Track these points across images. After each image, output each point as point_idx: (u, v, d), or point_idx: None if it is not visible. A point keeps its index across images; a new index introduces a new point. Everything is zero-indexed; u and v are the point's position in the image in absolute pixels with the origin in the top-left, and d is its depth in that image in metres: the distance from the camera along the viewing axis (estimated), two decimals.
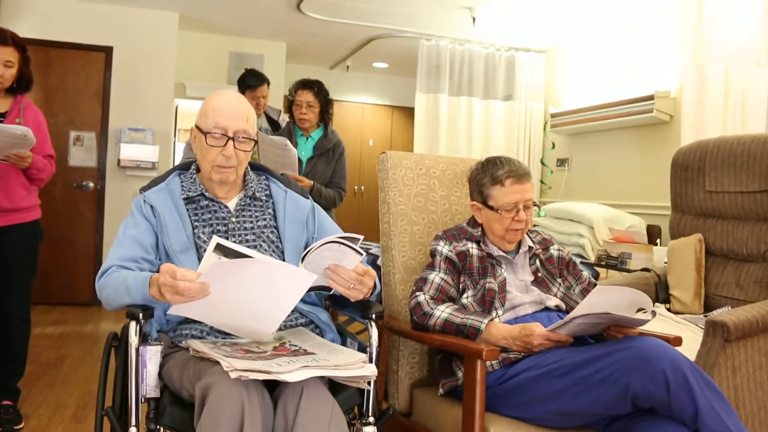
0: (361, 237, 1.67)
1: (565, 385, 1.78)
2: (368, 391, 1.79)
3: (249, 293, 1.57)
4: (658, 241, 4.62)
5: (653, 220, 4.87)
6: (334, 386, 1.67)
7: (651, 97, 4.81)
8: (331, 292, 1.86)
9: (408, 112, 8.23)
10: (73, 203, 6.09)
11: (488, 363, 1.90)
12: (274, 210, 2.02)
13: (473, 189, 2.22)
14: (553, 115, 6.01)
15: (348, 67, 8.11)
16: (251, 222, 1.96)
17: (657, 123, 4.95)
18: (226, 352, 1.61)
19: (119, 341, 1.84)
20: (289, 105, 3.93)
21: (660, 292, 3.08)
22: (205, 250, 1.56)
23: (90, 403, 3.31)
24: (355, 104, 8.91)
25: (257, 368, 1.47)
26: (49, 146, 3.01)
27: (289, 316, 1.86)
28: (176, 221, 1.89)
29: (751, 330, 2.29)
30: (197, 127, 1.91)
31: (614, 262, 4.12)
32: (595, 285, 2.20)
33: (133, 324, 1.66)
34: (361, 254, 1.68)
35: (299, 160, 3.71)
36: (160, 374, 1.70)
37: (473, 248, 2.15)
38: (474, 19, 5.87)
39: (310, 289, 1.77)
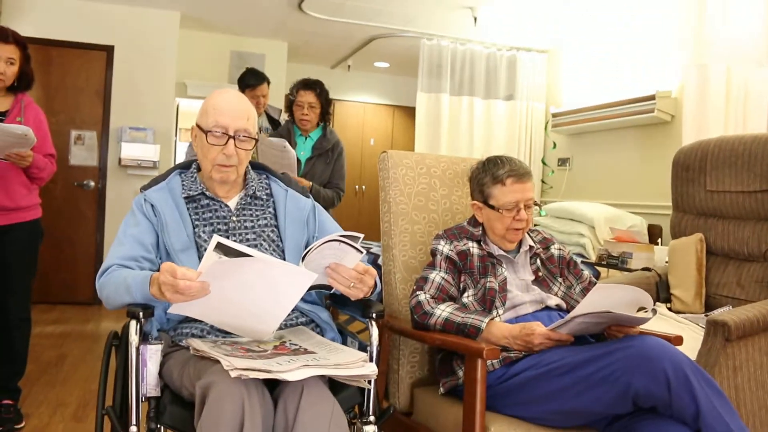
0: (362, 235, 1.67)
1: (565, 384, 1.77)
2: (369, 390, 1.79)
3: (249, 292, 1.57)
4: (659, 240, 4.62)
5: (654, 219, 4.87)
6: (335, 385, 1.67)
7: (652, 97, 4.80)
8: (331, 291, 1.86)
9: (409, 112, 8.23)
10: (74, 202, 6.09)
11: (489, 362, 1.90)
12: (274, 209, 2.01)
13: (474, 188, 2.22)
14: (554, 115, 6.01)
15: (349, 66, 8.11)
16: (252, 221, 1.96)
17: (658, 123, 4.95)
18: (227, 351, 1.61)
19: (120, 340, 1.84)
20: (290, 105, 3.92)
21: (661, 291, 3.08)
22: (205, 249, 1.56)
23: (90, 402, 3.31)
24: (357, 104, 8.91)
25: (257, 367, 1.47)
26: (49, 145, 3.01)
27: (289, 315, 1.86)
28: (177, 220, 1.89)
29: (752, 329, 2.29)
30: (198, 125, 1.91)
31: (615, 262, 4.12)
32: (595, 284, 2.20)
33: (133, 323, 1.66)
34: (362, 252, 1.68)
35: (298, 160, 3.71)
36: (160, 373, 1.70)
37: (474, 247, 2.15)
38: (475, 18, 5.87)
39: (311, 288, 1.77)
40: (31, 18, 5.87)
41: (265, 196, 2.02)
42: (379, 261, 2.45)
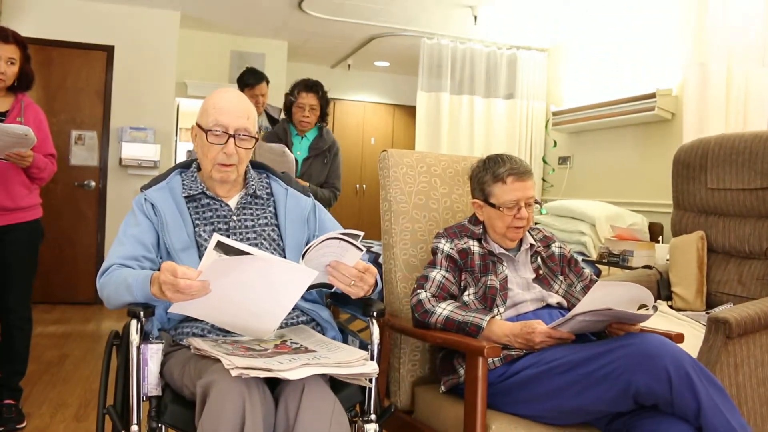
0: (362, 233, 1.67)
1: (567, 382, 1.77)
2: (370, 389, 1.79)
3: (250, 291, 1.57)
4: (660, 238, 4.62)
5: (655, 217, 4.87)
6: (336, 384, 1.67)
7: (653, 95, 4.81)
8: (332, 290, 1.86)
9: (409, 111, 8.23)
10: (75, 202, 6.10)
11: (490, 360, 1.90)
12: (275, 208, 2.01)
13: (475, 187, 2.22)
14: (554, 113, 6.01)
15: (349, 65, 8.12)
16: (252, 220, 1.96)
17: (659, 121, 4.95)
18: (227, 350, 1.61)
19: (120, 340, 1.84)
20: (289, 105, 3.91)
21: (662, 289, 3.08)
22: (206, 249, 1.56)
23: (92, 402, 3.31)
24: (357, 103, 8.91)
25: (258, 366, 1.47)
26: (50, 145, 3.01)
27: (290, 313, 1.86)
28: (177, 219, 1.89)
29: (753, 327, 2.29)
30: (198, 125, 1.91)
31: (616, 260, 4.12)
32: (596, 282, 2.19)
33: (134, 322, 1.66)
34: (362, 250, 1.68)
35: (295, 160, 3.71)
36: (161, 372, 1.70)
37: (474, 246, 2.15)
38: (475, 17, 5.86)
39: (312, 287, 1.77)
40: (32, 18, 5.87)
41: (265, 195, 2.02)
42: (380, 260, 2.45)
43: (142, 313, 1.66)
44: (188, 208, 1.93)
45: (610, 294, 1.80)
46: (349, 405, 1.75)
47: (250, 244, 1.86)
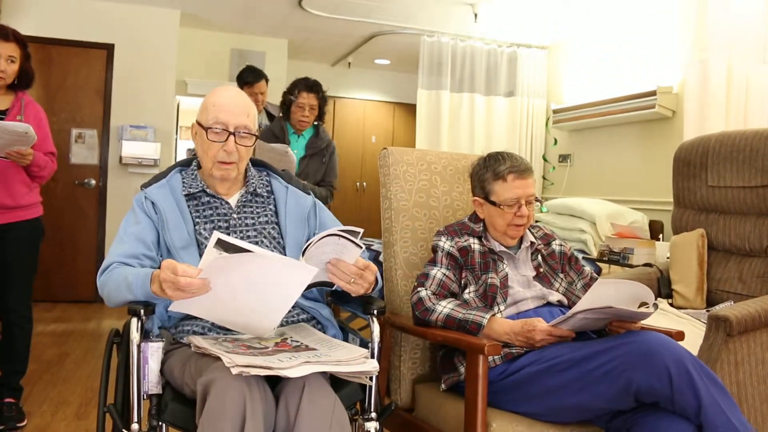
0: (361, 230, 1.67)
1: (567, 380, 1.77)
2: (370, 387, 1.79)
3: (250, 288, 1.57)
4: (661, 236, 4.61)
5: (655, 215, 4.87)
6: (336, 382, 1.67)
7: (653, 93, 4.80)
8: (333, 288, 1.86)
9: (410, 109, 8.23)
10: (75, 201, 6.10)
11: (490, 358, 1.90)
12: (275, 206, 2.01)
13: (475, 184, 2.22)
14: (555, 111, 6.01)
15: (350, 63, 8.11)
16: (252, 218, 1.96)
17: (659, 118, 4.95)
18: (228, 348, 1.61)
19: (121, 338, 1.84)
20: (288, 104, 3.90)
21: (662, 287, 3.08)
22: (206, 247, 1.56)
23: (92, 400, 3.31)
24: (357, 101, 8.91)
25: (259, 364, 1.47)
26: (50, 143, 3.01)
27: (290, 311, 1.86)
28: (177, 217, 1.89)
29: (753, 325, 2.29)
30: (198, 122, 1.91)
31: (616, 258, 4.11)
32: (597, 280, 2.19)
33: (134, 320, 1.66)
34: (361, 248, 1.68)
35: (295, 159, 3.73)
36: (161, 371, 1.70)
37: (475, 244, 2.15)
38: (476, 15, 5.86)
39: (312, 285, 1.77)
40: (32, 17, 5.86)
41: (265, 194, 2.02)
42: (380, 258, 2.45)
43: (142, 311, 1.66)
44: (188, 206, 1.93)
45: (610, 292, 1.80)
46: (350, 403, 1.75)
47: (250, 242, 1.85)
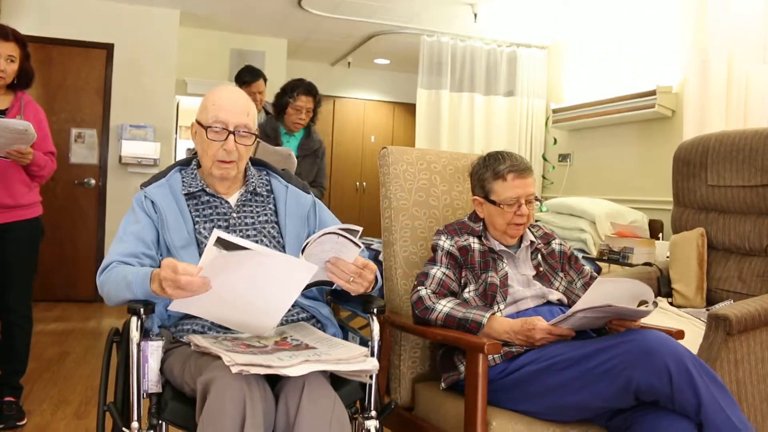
0: (360, 229, 1.67)
1: (567, 378, 1.77)
2: (370, 386, 1.79)
3: (250, 286, 1.57)
4: (660, 235, 4.61)
5: (655, 214, 4.87)
6: (336, 381, 1.67)
7: (653, 92, 4.80)
8: (332, 287, 1.86)
9: (410, 109, 8.23)
10: (75, 200, 6.10)
11: (490, 357, 1.90)
12: (275, 205, 2.01)
13: (475, 184, 2.22)
14: (554, 111, 6.01)
15: (349, 63, 8.11)
16: (252, 217, 1.96)
17: (659, 118, 4.95)
18: (228, 346, 1.61)
19: (121, 337, 1.84)
20: (284, 105, 3.91)
21: (662, 286, 3.08)
22: (206, 246, 1.56)
23: (92, 399, 3.32)
24: (357, 101, 8.90)
25: (258, 362, 1.47)
26: (50, 143, 3.01)
27: (290, 310, 1.86)
28: (177, 217, 1.89)
29: (753, 323, 2.29)
30: (198, 122, 1.91)
31: (616, 257, 4.12)
32: (596, 279, 2.19)
33: (134, 319, 1.66)
34: (360, 247, 1.68)
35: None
36: (161, 369, 1.70)
37: (475, 243, 2.15)
38: (475, 15, 5.86)
39: (312, 285, 1.77)
40: (31, 16, 5.87)
41: (265, 193, 2.02)
42: (380, 257, 2.45)
43: (142, 310, 1.66)
44: (188, 205, 1.93)
45: (610, 290, 1.80)
46: (350, 402, 1.75)
47: (250, 241, 1.86)
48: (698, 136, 3.17)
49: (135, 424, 1.63)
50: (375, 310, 1.85)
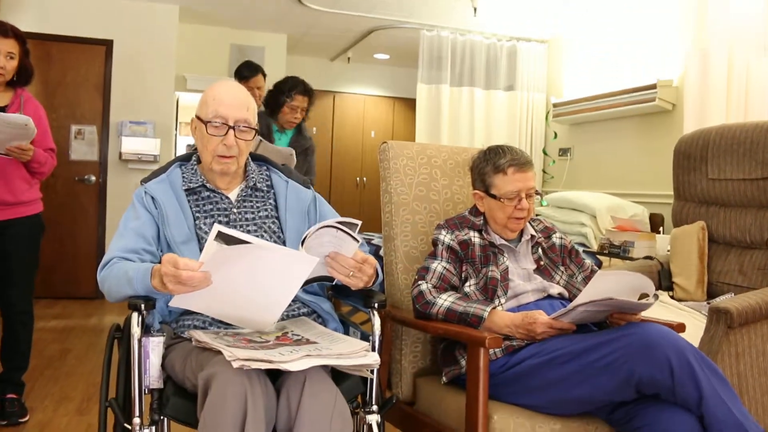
0: (359, 222, 1.67)
1: (568, 372, 1.77)
2: (371, 380, 1.79)
3: (251, 281, 1.57)
4: (661, 229, 4.61)
5: (656, 208, 4.86)
6: (337, 375, 1.67)
7: (653, 86, 4.79)
8: (333, 283, 1.86)
9: (410, 104, 8.22)
10: (76, 197, 6.10)
11: (491, 351, 1.90)
12: (275, 200, 2.01)
13: (475, 178, 2.21)
14: (555, 105, 6.00)
15: (349, 58, 8.09)
16: (252, 213, 1.96)
17: (659, 112, 4.94)
18: (229, 341, 1.61)
19: (122, 333, 1.84)
20: (280, 103, 3.93)
21: (663, 279, 3.08)
22: (206, 241, 1.56)
23: (94, 396, 3.32)
24: (357, 96, 8.89)
25: (260, 357, 1.47)
26: (50, 139, 3.01)
27: (291, 305, 1.86)
28: (177, 212, 1.88)
29: (754, 316, 2.29)
30: (198, 117, 1.90)
31: (617, 251, 4.11)
32: (597, 273, 2.19)
33: (135, 315, 1.66)
34: (358, 241, 1.68)
35: None
36: (162, 365, 1.70)
37: (475, 237, 2.15)
38: (475, 9, 5.84)
39: (313, 280, 1.77)
40: (30, 13, 5.86)
41: (265, 188, 2.02)
42: (381, 252, 2.45)
43: (143, 305, 1.66)
44: (188, 200, 1.92)
45: (611, 284, 1.80)
46: (351, 396, 1.75)
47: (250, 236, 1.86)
48: (699, 130, 3.17)
49: (137, 420, 1.63)
50: (376, 305, 1.85)
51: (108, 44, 6.15)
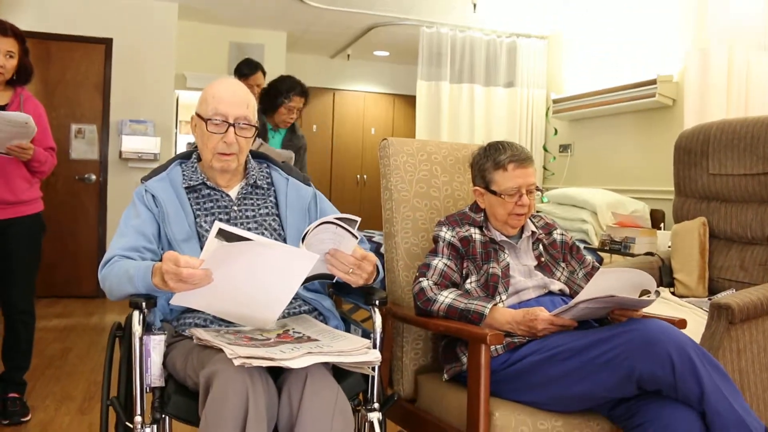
0: (359, 219, 1.66)
1: (569, 368, 1.77)
2: (373, 377, 1.79)
3: (252, 278, 1.57)
4: (662, 225, 4.61)
5: (657, 204, 4.86)
6: (339, 373, 1.67)
7: (653, 82, 4.79)
8: (333, 280, 1.86)
9: (409, 100, 8.21)
10: (76, 196, 6.10)
11: (492, 348, 1.90)
12: (275, 198, 2.01)
13: (476, 174, 2.21)
14: (555, 101, 5.99)
15: (349, 55, 8.09)
16: (253, 210, 1.95)
17: (660, 107, 4.94)
18: (230, 339, 1.61)
19: (123, 331, 1.84)
20: (278, 105, 3.94)
21: (664, 276, 3.07)
22: (207, 239, 1.56)
23: (96, 395, 3.33)
24: (357, 93, 8.89)
25: (261, 355, 1.47)
26: (50, 138, 3.01)
27: (292, 303, 1.86)
28: (178, 210, 1.88)
29: (755, 312, 2.29)
30: (198, 114, 1.90)
31: (618, 247, 4.11)
32: (598, 269, 2.19)
33: (136, 313, 1.66)
34: (357, 238, 1.68)
35: None
36: (164, 363, 1.70)
37: (476, 233, 2.14)
38: (475, 5, 5.83)
39: (313, 278, 1.77)
40: (30, 12, 5.85)
41: (266, 185, 2.02)
42: (382, 249, 2.45)
43: (144, 304, 1.66)
44: (189, 198, 1.92)
45: (612, 281, 1.80)
46: (352, 394, 1.75)
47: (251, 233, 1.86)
48: (699, 125, 3.16)
49: (138, 419, 1.64)
50: (377, 302, 1.85)
51: (107, 42, 6.14)
